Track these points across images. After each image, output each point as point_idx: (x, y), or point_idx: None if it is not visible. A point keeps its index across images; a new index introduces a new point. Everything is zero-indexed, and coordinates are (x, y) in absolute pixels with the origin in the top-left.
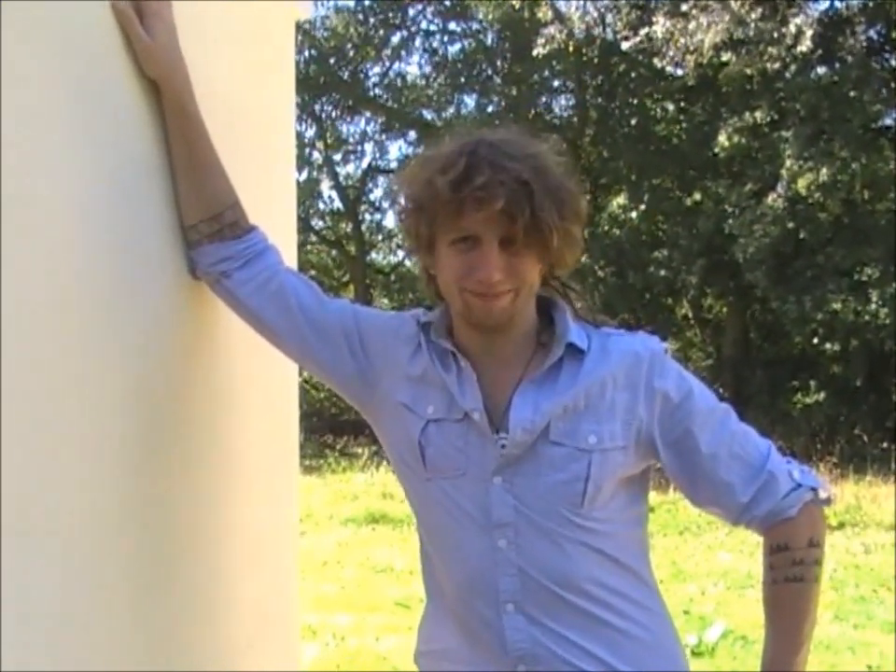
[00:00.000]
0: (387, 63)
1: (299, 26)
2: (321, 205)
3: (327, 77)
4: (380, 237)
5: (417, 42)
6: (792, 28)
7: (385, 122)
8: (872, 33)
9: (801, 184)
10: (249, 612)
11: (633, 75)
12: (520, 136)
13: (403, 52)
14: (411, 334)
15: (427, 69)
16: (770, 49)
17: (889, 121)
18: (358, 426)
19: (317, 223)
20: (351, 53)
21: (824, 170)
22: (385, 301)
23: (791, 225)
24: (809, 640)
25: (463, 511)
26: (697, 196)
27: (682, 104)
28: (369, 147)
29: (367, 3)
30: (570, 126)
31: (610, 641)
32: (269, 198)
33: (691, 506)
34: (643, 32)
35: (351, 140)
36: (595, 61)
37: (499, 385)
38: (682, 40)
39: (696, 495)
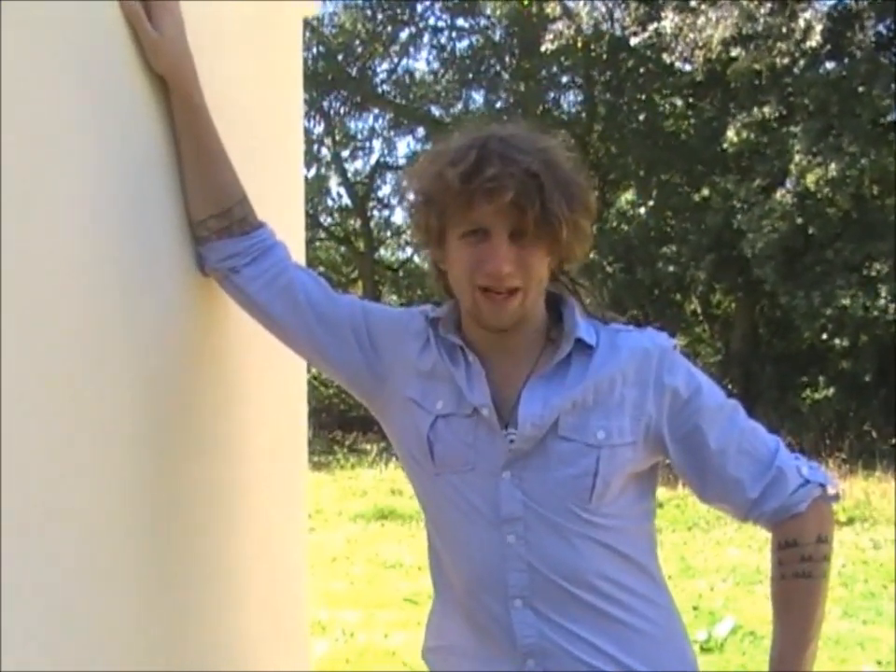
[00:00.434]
0: (395, 60)
1: (307, 23)
2: (329, 202)
3: (335, 74)
4: (388, 233)
5: (425, 38)
6: (801, 23)
7: (394, 119)
8: (881, 28)
9: (810, 179)
10: (258, 608)
11: (641, 70)
12: (529, 132)
13: (411, 49)
14: (419, 329)
15: (436, 65)
16: (779, 44)
17: None
18: (367, 422)
19: (326, 220)
20: (359, 50)
21: (833, 165)
22: (394, 297)
23: (799, 220)
24: (818, 636)
25: (472, 507)
26: (706, 192)
27: (691, 99)
28: (377, 143)
29: None
30: (579, 122)
31: (619, 636)
32: (277, 194)
33: (699, 502)
34: (651, 27)
35: (359, 136)
36: (604, 56)
37: (508, 380)
38: (691, 35)
39: (705, 491)
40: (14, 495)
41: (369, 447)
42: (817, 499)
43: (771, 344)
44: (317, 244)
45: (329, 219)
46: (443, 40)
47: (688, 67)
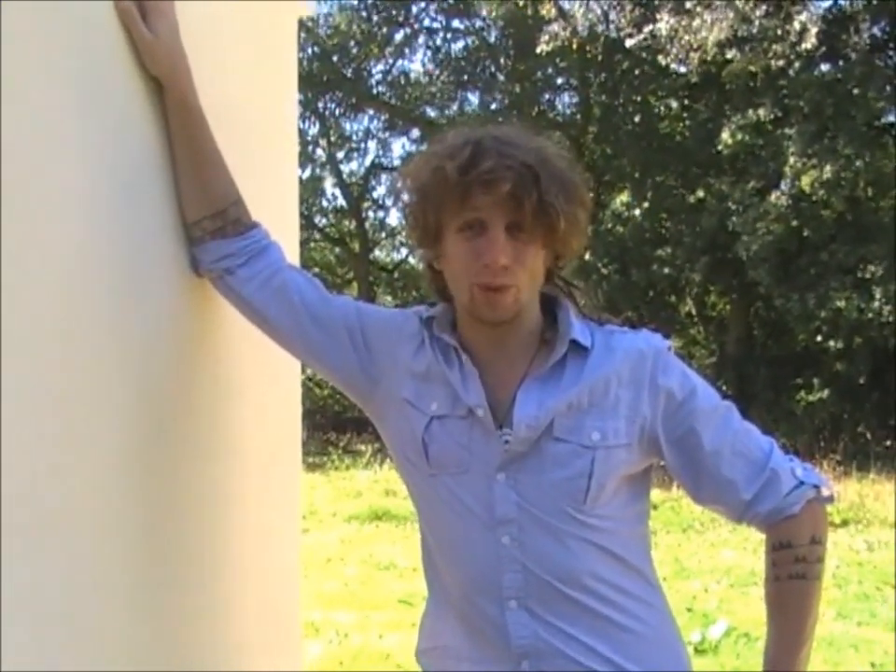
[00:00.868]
0: (390, 61)
1: (302, 23)
2: (324, 203)
3: (330, 75)
4: (383, 234)
5: (420, 39)
6: (796, 25)
7: (389, 120)
8: (876, 30)
9: (804, 181)
10: (252, 610)
11: (636, 72)
12: (523, 132)
13: (406, 50)
14: (414, 330)
15: (431, 66)
16: (774, 46)
17: (892, 118)
18: (361, 423)
19: (320, 220)
20: (354, 50)
21: (828, 167)
22: (389, 298)
23: (794, 222)
24: (812, 638)
25: (466, 508)
26: (701, 193)
27: (686, 101)
28: (372, 144)
29: (370, 0)
30: (574, 123)
31: (613, 637)
32: (272, 195)
33: (694, 503)
34: (647, 29)
35: (354, 137)
36: (599, 58)
37: (503, 381)
38: (686, 37)
39: (699, 492)
40: (7, 497)
41: (363, 448)
42: (811, 501)
43: (765, 346)
44: (312, 245)
45: (324, 220)
46: (438, 41)
47: (683, 69)
